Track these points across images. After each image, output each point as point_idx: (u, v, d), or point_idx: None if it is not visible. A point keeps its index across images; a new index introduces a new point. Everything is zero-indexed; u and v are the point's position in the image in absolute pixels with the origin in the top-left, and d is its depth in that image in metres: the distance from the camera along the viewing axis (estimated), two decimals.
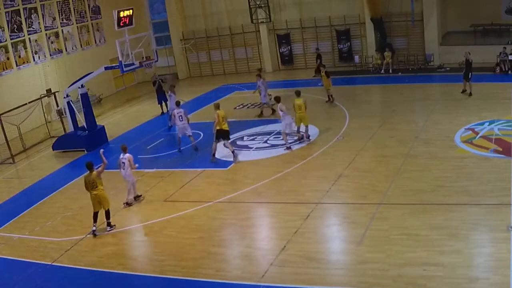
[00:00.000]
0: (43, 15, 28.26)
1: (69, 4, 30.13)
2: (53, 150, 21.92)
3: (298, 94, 18.46)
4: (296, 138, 18.66)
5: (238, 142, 19.73)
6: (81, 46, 31.10)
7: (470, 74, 21.84)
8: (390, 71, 28.20)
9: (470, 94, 21.83)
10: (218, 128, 17.44)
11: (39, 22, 28.03)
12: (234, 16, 33.55)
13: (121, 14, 20.71)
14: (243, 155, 18.24)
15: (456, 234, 11.16)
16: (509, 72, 24.56)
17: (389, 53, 28.50)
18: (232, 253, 12.16)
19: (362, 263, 10.67)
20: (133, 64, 21.00)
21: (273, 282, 10.54)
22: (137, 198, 15.64)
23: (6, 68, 26.04)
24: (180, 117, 18.94)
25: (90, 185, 13.63)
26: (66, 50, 29.87)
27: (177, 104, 19.75)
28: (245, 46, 33.92)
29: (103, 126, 22.86)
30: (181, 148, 19.47)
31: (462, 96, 21.98)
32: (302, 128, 18.54)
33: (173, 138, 21.44)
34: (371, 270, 10.37)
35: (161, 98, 25.60)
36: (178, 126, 19.14)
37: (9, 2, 26.23)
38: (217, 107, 17.78)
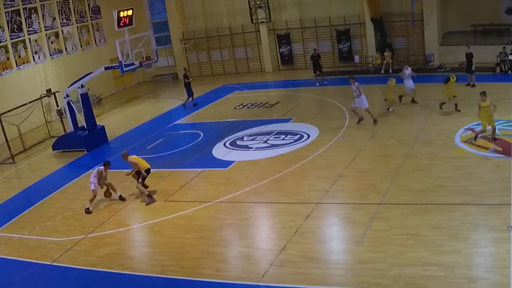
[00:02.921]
0: (43, 15, 28.27)
1: (69, 4, 30.14)
2: (53, 150, 21.92)
3: (484, 94, 16.51)
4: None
5: (238, 142, 19.74)
6: (81, 46, 31.11)
7: (472, 66, 22.94)
8: (390, 71, 28.18)
9: (474, 85, 22.59)
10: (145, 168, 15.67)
11: (39, 22, 28.04)
12: (234, 16, 33.56)
13: (121, 14, 20.70)
14: (243, 155, 18.24)
15: (456, 234, 11.16)
16: (509, 72, 24.55)
17: (389, 53, 28.52)
18: (232, 253, 12.15)
19: (362, 263, 10.67)
20: (133, 64, 20.99)
21: (273, 282, 10.53)
22: None
23: (6, 68, 26.05)
24: None
25: None
26: (66, 50, 29.87)
27: None
28: (245, 46, 33.93)
29: (103, 126, 22.86)
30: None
31: (462, 96, 21.91)
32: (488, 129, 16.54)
33: (173, 138, 21.47)
34: (371, 270, 10.37)
35: (191, 91, 26.36)
36: None
37: (9, 2, 26.23)
38: (126, 156, 15.92)
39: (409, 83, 21.61)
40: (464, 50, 23.71)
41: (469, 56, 23.23)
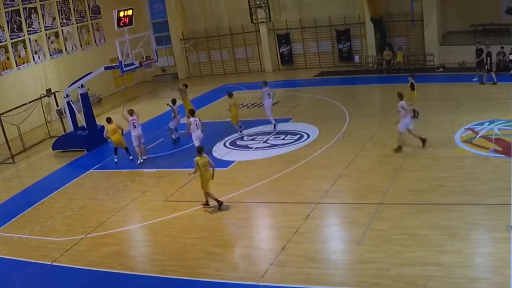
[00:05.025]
0: (43, 15, 28.27)
1: (69, 4, 30.14)
2: (53, 150, 21.92)
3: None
4: None
5: (238, 142, 19.74)
6: (81, 46, 31.11)
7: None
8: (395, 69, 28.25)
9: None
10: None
11: (39, 22, 28.04)
12: (234, 16, 33.56)
13: (121, 14, 20.72)
14: (243, 155, 18.25)
15: (456, 234, 11.17)
16: (511, 71, 24.58)
17: (393, 52, 28.59)
18: (232, 253, 12.15)
19: (362, 263, 10.67)
20: (133, 64, 21.00)
21: (273, 282, 10.54)
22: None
23: (6, 68, 26.05)
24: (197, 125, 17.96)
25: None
26: (66, 50, 29.88)
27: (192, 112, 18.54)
28: (245, 46, 33.94)
29: (103, 126, 22.84)
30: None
31: (462, 96, 21.98)
32: None
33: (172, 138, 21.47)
34: (371, 270, 10.37)
35: None
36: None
37: (9, 2, 26.24)
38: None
39: (266, 103, 20.57)
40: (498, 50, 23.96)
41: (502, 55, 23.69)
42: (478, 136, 16.75)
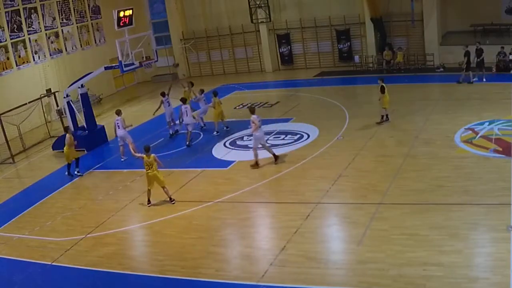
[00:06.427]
0: (43, 15, 28.27)
1: (69, 4, 30.15)
2: (53, 150, 21.92)
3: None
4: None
5: (238, 142, 19.74)
6: (81, 46, 31.11)
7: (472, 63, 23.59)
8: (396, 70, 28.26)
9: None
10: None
11: (39, 22, 28.04)
12: (234, 16, 33.57)
13: (121, 14, 20.69)
14: (243, 155, 18.24)
15: (456, 234, 11.17)
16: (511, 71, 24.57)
17: (393, 52, 28.59)
18: (232, 253, 12.16)
19: (362, 263, 10.67)
20: (133, 64, 20.98)
21: (273, 282, 10.53)
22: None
23: (6, 68, 26.05)
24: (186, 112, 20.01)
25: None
26: (66, 50, 29.88)
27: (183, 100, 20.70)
28: (245, 46, 33.95)
29: (103, 126, 22.86)
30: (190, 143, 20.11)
31: (462, 96, 22.00)
32: None
33: (173, 138, 21.49)
34: (371, 270, 10.37)
35: None
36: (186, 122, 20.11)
37: (9, 2, 26.23)
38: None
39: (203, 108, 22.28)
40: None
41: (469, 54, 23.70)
42: (478, 136, 16.75)
